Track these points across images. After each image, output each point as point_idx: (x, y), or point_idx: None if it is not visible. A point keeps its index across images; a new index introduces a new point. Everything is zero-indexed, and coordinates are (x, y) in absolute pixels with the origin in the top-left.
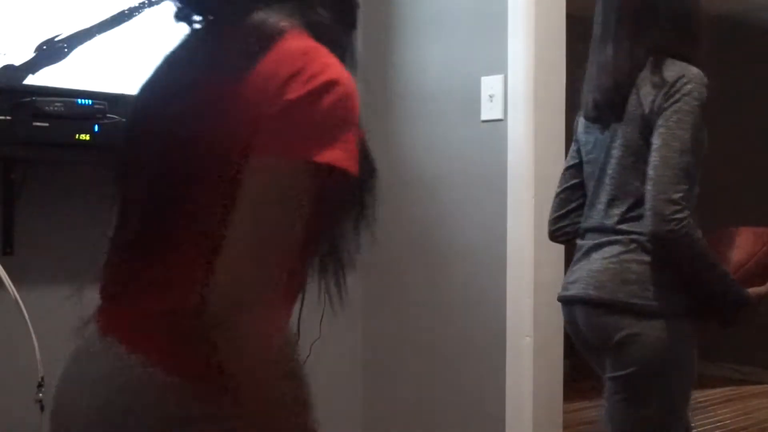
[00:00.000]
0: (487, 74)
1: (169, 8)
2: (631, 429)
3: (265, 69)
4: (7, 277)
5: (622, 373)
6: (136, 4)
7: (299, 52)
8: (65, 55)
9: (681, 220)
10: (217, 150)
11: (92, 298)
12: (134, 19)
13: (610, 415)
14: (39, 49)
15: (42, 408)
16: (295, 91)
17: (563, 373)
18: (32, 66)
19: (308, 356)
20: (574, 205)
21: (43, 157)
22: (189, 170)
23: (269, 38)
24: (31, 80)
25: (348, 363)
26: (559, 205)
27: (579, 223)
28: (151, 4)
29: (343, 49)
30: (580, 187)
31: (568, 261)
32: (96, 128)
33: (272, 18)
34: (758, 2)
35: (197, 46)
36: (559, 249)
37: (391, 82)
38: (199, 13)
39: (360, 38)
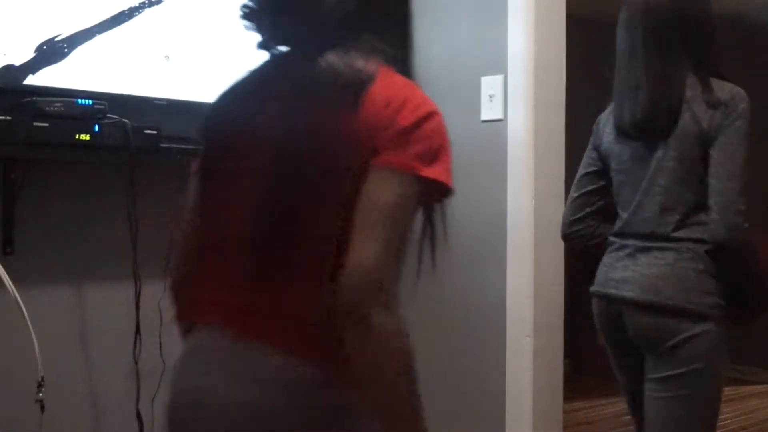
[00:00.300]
0: (487, 74)
1: (253, 38)
2: (677, 425)
3: (374, 99)
4: (7, 277)
5: (677, 372)
6: (136, 4)
7: (400, 85)
8: (65, 55)
9: (746, 230)
10: (338, 165)
11: (92, 297)
12: (134, 19)
13: (653, 412)
14: (39, 49)
15: (42, 408)
16: (405, 119)
17: (563, 373)
18: (32, 66)
19: None
20: (590, 209)
21: (43, 157)
22: (308, 183)
23: (370, 73)
24: (31, 80)
25: None
26: (576, 208)
27: (594, 226)
28: (151, 4)
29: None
30: (597, 192)
31: (568, 261)
32: (96, 128)
33: (363, 56)
34: (758, 2)
35: (292, 75)
36: (559, 249)
37: None
38: (283, 45)
39: None
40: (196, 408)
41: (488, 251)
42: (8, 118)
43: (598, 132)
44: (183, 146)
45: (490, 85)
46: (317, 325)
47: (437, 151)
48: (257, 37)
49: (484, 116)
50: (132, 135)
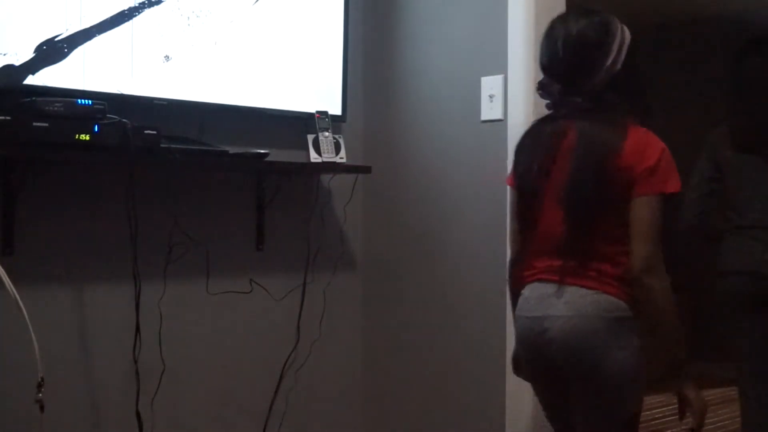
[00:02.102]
0: (487, 74)
1: (543, 101)
2: None
3: (630, 146)
4: (7, 277)
5: None
6: (136, 4)
7: (641, 135)
8: (65, 55)
9: None
10: (617, 188)
11: (92, 297)
12: (134, 19)
13: None
14: (39, 49)
15: (42, 408)
16: (649, 160)
17: None
18: (32, 66)
19: (308, 356)
20: (705, 208)
21: (43, 157)
22: (600, 201)
23: (626, 128)
24: (31, 80)
25: (348, 363)
26: (697, 207)
27: (710, 221)
28: (151, 4)
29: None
30: (712, 194)
31: None
32: (96, 128)
33: (618, 115)
34: (759, 2)
35: (575, 129)
36: None
37: (392, 82)
38: (564, 107)
39: (361, 38)
40: (539, 326)
41: (488, 251)
42: (8, 118)
43: (712, 146)
44: (183, 146)
45: (490, 85)
46: (623, 282)
47: (670, 172)
48: (548, 101)
49: (484, 116)
50: (132, 135)
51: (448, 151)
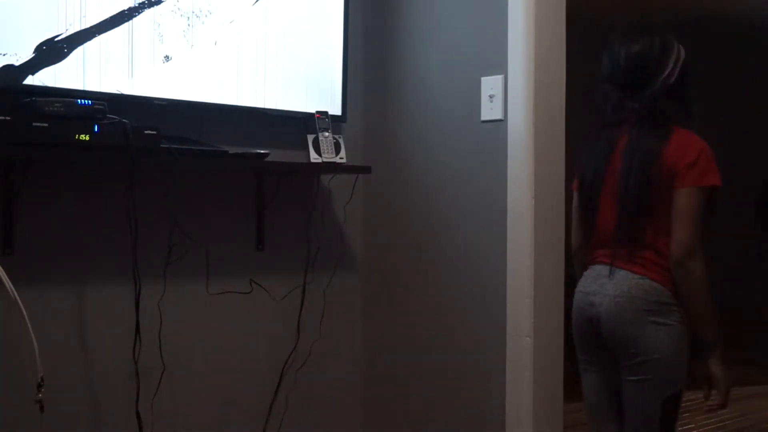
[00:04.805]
0: (487, 74)
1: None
2: None
3: (672, 147)
4: (6, 277)
5: None
6: (136, 4)
7: (683, 135)
8: (65, 55)
9: None
10: (662, 184)
11: (92, 297)
12: (134, 19)
13: None
14: (39, 49)
15: (42, 408)
16: (689, 158)
17: (563, 373)
18: (32, 66)
19: (308, 356)
20: None
21: (43, 157)
22: (646, 197)
23: (671, 131)
24: (31, 80)
25: (348, 363)
26: None
27: None
28: (151, 4)
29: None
30: None
31: (568, 261)
32: (96, 128)
33: (665, 121)
34: (759, 2)
35: (628, 134)
36: (560, 249)
37: (392, 82)
38: (621, 117)
39: (361, 38)
40: (590, 301)
41: (488, 251)
42: (8, 118)
43: None
44: (183, 146)
45: (490, 85)
46: (663, 265)
47: (708, 168)
48: (605, 107)
49: (484, 116)
50: (132, 135)
51: (448, 151)
